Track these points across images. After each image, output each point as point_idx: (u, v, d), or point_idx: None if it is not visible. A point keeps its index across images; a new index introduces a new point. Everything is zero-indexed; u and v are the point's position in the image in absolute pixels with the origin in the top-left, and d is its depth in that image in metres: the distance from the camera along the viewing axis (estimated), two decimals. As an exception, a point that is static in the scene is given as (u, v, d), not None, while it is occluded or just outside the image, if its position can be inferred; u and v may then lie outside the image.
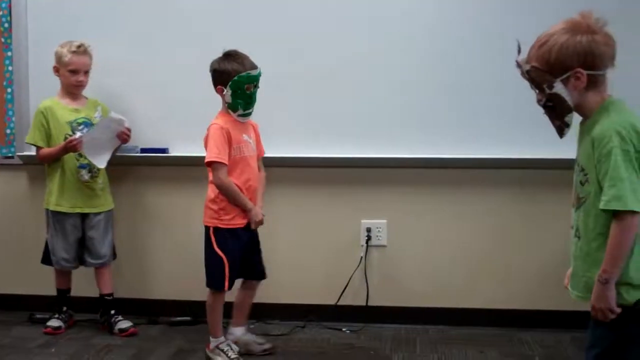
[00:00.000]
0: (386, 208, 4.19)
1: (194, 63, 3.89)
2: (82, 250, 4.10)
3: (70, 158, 3.98)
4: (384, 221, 4.20)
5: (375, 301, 4.21)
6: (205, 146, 3.53)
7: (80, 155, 3.95)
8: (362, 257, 4.20)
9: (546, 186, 4.01)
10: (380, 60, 4.05)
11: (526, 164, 3.99)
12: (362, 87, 4.07)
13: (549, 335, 3.91)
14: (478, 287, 4.14)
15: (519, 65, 2.28)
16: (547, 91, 2.22)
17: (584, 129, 2.25)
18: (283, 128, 4.09)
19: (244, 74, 3.44)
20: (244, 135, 3.57)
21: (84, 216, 4.06)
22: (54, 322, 4.09)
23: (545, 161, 3.91)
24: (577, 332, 3.93)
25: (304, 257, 4.25)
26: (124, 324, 4.05)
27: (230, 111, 3.53)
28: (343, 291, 4.19)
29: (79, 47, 3.96)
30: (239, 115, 3.54)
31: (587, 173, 2.20)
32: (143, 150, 4.22)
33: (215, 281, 3.56)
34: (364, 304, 4.21)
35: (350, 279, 4.19)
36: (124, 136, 3.99)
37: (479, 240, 4.12)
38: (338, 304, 4.20)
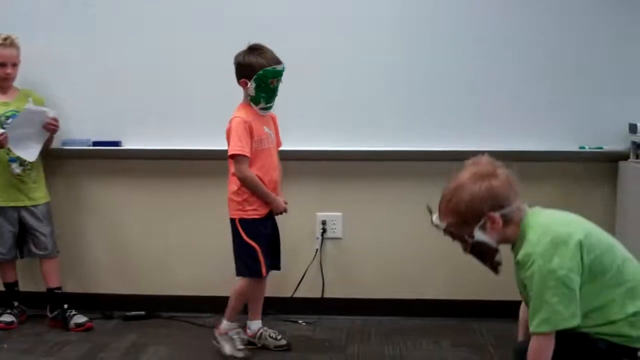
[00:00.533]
0: (341, 201, 4.21)
1: (151, 56, 3.86)
2: (26, 242, 4.06)
3: (2, 152, 3.91)
4: (339, 214, 4.22)
5: (330, 293, 4.23)
6: (228, 139, 3.52)
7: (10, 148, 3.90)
8: (317, 250, 4.21)
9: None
10: (335, 57, 4.06)
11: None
12: (316, 82, 4.07)
13: (502, 325, 3.95)
14: (432, 278, 4.18)
15: (435, 224, 2.42)
16: (470, 241, 2.34)
17: (514, 253, 2.38)
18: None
19: (269, 68, 3.43)
20: (265, 127, 3.57)
21: (21, 209, 4.01)
22: (6, 318, 4.04)
23: (495, 153, 3.94)
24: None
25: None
26: (80, 318, 4.01)
27: (252, 104, 3.53)
28: (299, 284, 4.20)
29: (5, 39, 3.91)
30: (261, 109, 3.54)
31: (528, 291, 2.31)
32: (95, 144, 4.18)
33: (251, 270, 3.59)
34: (320, 296, 4.23)
35: (305, 271, 4.20)
36: (50, 127, 3.93)
37: (433, 231, 4.12)
38: (294, 296, 4.21)
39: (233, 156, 3.49)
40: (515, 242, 2.35)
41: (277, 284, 4.20)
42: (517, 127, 4.01)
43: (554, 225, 2.31)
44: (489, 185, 2.31)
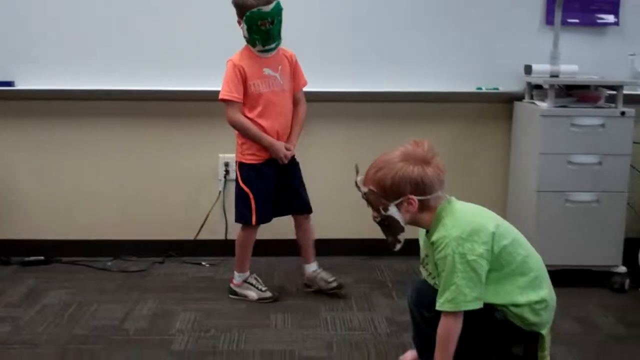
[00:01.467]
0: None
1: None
2: None
3: None
4: (242, 155, 4.20)
5: (234, 235, 4.18)
6: None
7: None
8: (220, 191, 4.20)
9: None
10: None
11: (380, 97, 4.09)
12: (205, 24, 4.00)
13: (400, 262, 4.08)
14: (337, 218, 4.23)
15: (357, 186, 2.45)
16: (383, 213, 2.40)
17: (428, 237, 2.46)
18: (134, 59, 4.01)
19: (255, 10, 3.29)
20: (265, 69, 3.44)
21: None
22: None
23: (396, 94, 4.04)
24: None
25: (161, 192, 4.20)
26: (-27, 265, 3.91)
27: (250, 46, 3.43)
28: (202, 226, 4.19)
29: None
30: (259, 51, 3.42)
31: (434, 277, 2.45)
32: (-14, 84, 4.02)
33: (242, 215, 3.53)
34: (224, 237, 4.23)
35: (209, 213, 4.19)
36: None
37: (341, 173, 4.19)
38: (197, 238, 4.20)
39: (222, 101, 3.44)
40: (430, 227, 2.44)
41: (179, 227, 4.19)
42: (416, 69, 4.07)
43: (469, 215, 2.41)
44: (421, 172, 2.37)
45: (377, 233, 3.97)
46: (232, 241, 4.17)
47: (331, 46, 4.07)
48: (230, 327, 3.26)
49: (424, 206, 2.40)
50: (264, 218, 3.56)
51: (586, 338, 3.21)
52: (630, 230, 3.93)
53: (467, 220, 2.37)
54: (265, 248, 3.97)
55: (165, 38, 4.03)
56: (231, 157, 4.17)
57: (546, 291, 2.44)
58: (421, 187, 2.38)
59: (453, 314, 2.35)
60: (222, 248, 4.19)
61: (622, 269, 3.77)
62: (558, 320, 3.31)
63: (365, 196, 2.43)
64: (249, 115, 3.47)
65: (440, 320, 2.38)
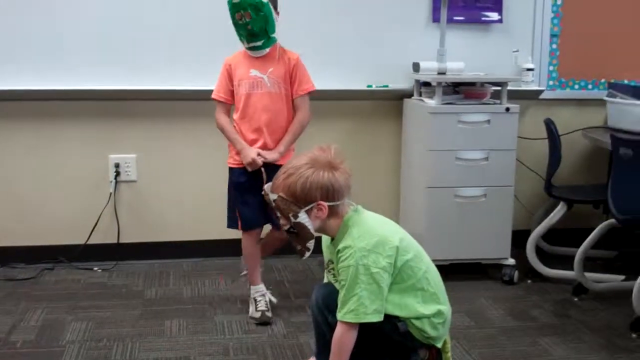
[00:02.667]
0: (134, 142, 4.11)
1: None
2: None
3: None
4: (133, 156, 4.12)
5: (126, 238, 4.15)
6: None
7: None
8: (111, 194, 4.11)
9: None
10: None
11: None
12: (101, 17, 3.93)
13: (297, 262, 4.10)
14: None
15: (266, 193, 2.42)
16: (292, 220, 2.38)
17: (334, 244, 2.45)
18: (15, 57, 3.87)
19: (228, 0, 3.16)
20: (252, 70, 3.29)
21: None
22: None
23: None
24: (321, 256, 4.16)
25: (50, 195, 4.07)
26: None
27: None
28: (93, 229, 4.09)
29: None
30: (247, 49, 3.29)
31: (340, 280, 2.41)
32: None
33: (230, 221, 3.43)
34: (115, 241, 4.14)
35: (99, 216, 4.09)
36: None
37: (226, 171, 4.16)
38: (88, 242, 4.10)
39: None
40: (336, 235, 2.43)
41: (68, 231, 4.08)
42: (308, 68, 4.07)
43: (375, 226, 2.42)
44: (331, 177, 2.36)
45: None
46: (125, 244, 4.13)
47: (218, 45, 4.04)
48: (124, 336, 3.20)
49: (332, 213, 2.40)
50: (249, 224, 3.39)
51: (477, 331, 3.30)
52: (518, 223, 4.07)
53: (373, 232, 2.39)
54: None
55: (48, 33, 3.90)
56: (122, 157, 4.10)
57: (445, 306, 2.48)
58: (331, 193, 2.38)
59: (351, 324, 2.36)
60: (115, 252, 4.11)
61: (511, 261, 3.90)
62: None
63: (275, 203, 2.41)
64: (234, 116, 3.39)
65: (337, 329, 2.39)
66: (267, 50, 3.28)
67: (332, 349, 2.39)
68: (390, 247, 2.36)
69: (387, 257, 2.34)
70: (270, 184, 2.45)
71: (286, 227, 2.44)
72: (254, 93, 3.31)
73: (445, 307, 2.47)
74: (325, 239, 2.54)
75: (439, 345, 2.50)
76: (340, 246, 2.39)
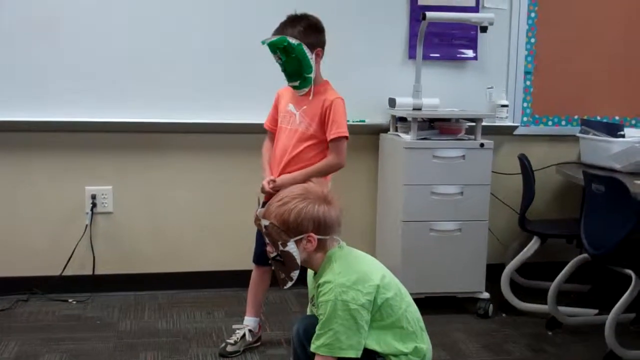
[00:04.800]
0: (111, 174, 4.11)
1: None
2: None
3: None
4: (110, 187, 4.12)
5: (102, 269, 4.13)
6: None
7: None
8: (87, 225, 4.09)
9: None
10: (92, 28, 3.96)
11: (241, 128, 4.10)
12: (75, 50, 3.95)
13: (274, 294, 4.09)
14: (205, 250, 4.21)
15: (258, 218, 2.44)
16: (281, 248, 2.40)
17: (315, 279, 2.46)
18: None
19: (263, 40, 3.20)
20: (289, 105, 3.30)
21: None
22: None
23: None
24: (301, 288, 4.16)
25: (25, 226, 4.05)
26: None
27: None
28: (68, 261, 4.06)
29: None
30: (290, 86, 3.29)
31: (319, 314, 2.41)
32: None
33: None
34: (91, 272, 4.12)
35: (75, 248, 4.07)
36: None
37: (204, 203, 4.18)
38: (63, 274, 4.07)
39: None
40: (319, 269, 2.45)
41: (44, 263, 4.06)
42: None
43: (357, 263, 2.44)
44: (325, 211, 2.39)
45: (246, 264, 4.04)
46: (100, 276, 4.11)
47: (196, 77, 4.07)
48: (98, 368, 3.19)
49: (319, 246, 2.42)
50: (259, 258, 3.36)
51: (451, 364, 3.32)
52: (492, 257, 4.10)
53: (354, 269, 2.40)
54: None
55: (23, 65, 3.92)
56: (98, 189, 4.09)
57: (424, 345, 2.48)
58: (322, 227, 2.39)
59: (327, 357, 2.36)
60: (90, 284, 4.09)
61: (486, 294, 3.93)
62: (424, 348, 3.43)
63: (266, 229, 2.42)
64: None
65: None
66: (306, 90, 3.27)
67: None
68: (371, 284, 2.37)
69: (366, 295, 2.35)
70: (263, 209, 2.45)
71: (272, 255, 2.44)
72: (283, 127, 3.33)
73: (425, 346, 2.48)
74: (310, 272, 2.55)
75: None
76: (321, 280, 2.40)
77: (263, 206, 2.57)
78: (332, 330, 2.33)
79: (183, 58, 4.04)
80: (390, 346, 2.40)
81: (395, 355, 2.41)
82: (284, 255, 2.42)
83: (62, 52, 3.93)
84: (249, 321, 3.44)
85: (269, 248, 2.45)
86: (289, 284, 2.49)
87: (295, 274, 2.46)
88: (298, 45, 3.15)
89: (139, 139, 4.09)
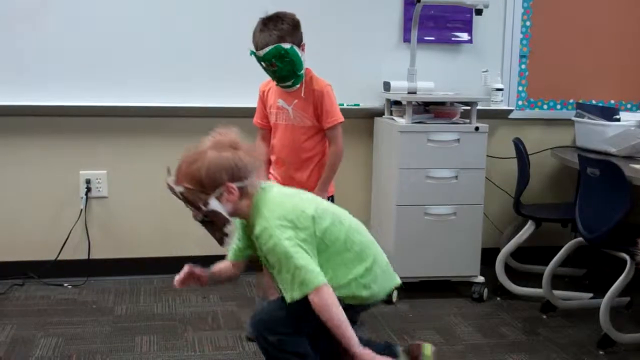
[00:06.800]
0: (106, 158, 4.11)
1: None
2: None
3: None
4: (104, 172, 4.12)
5: (97, 254, 4.14)
6: None
7: None
8: (82, 210, 4.09)
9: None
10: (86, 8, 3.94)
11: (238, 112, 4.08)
12: (70, 34, 3.94)
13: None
14: (200, 234, 4.18)
15: (170, 187, 2.36)
16: (204, 209, 2.32)
17: (249, 229, 2.39)
18: None
19: (251, 51, 3.16)
20: (279, 100, 3.28)
21: None
22: None
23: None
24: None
25: (20, 211, 4.05)
26: None
27: None
28: (63, 245, 4.07)
29: None
30: (281, 86, 3.26)
31: (272, 265, 2.34)
32: None
33: None
34: (86, 257, 4.12)
35: (70, 232, 4.07)
36: None
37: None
38: (58, 259, 4.07)
39: None
40: (249, 217, 2.38)
41: (39, 247, 4.06)
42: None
43: (285, 202, 2.37)
44: (236, 157, 2.32)
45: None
46: (95, 260, 4.12)
47: (189, 60, 4.05)
48: (94, 352, 3.18)
49: (242, 194, 2.34)
50: None
51: (446, 348, 3.32)
52: (487, 241, 4.10)
53: (284, 207, 2.33)
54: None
55: (17, 48, 3.90)
56: (93, 173, 4.09)
57: (369, 262, 2.42)
58: (237, 173, 2.32)
59: (314, 290, 2.27)
60: (85, 268, 4.10)
61: (481, 278, 3.94)
62: (419, 331, 3.46)
63: (182, 196, 2.33)
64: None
65: (312, 303, 2.28)
66: (298, 86, 3.26)
67: (324, 316, 2.29)
68: (305, 217, 2.33)
69: (305, 229, 2.31)
70: (173, 179, 2.37)
71: (199, 218, 2.37)
72: (279, 124, 3.32)
73: (369, 262, 2.43)
74: (239, 221, 2.47)
75: (382, 298, 2.49)
76: (257, 232, 2.33)
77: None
78: (297, 270, 2.26)
79: (179, 40, 4.01)
80: (339, 276, 2.35)
81: (345, 287, 2.36)
82: (210, 214, 2.34)
83: (56, 34, 3.91)
84: None
85: (193, 214, 2.36)
86: (227, 240, 2.41)
87: (228, 229, 2.38)
88: (291, 48, 3.14)
89: (133, 123, 4.08)
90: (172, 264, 4.12)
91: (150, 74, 4.01)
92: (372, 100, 4.21)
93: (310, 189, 3.14)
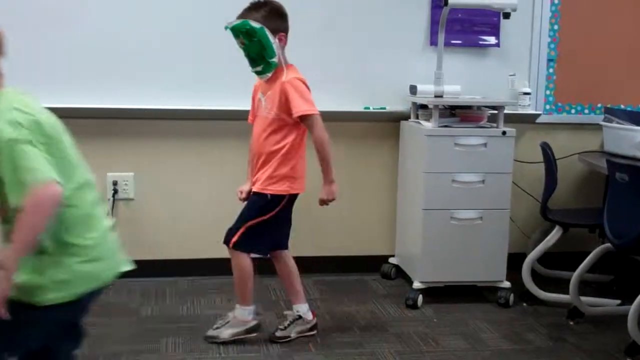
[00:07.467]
0: (132, 160, 4.13)
1: None
2: None
3: None
4: (131, 174, 4.14)
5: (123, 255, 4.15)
6: None
7: None
8: (108, 211, 4.11)
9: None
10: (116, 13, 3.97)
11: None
12: (99, 36, 3.96)
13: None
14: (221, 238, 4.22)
15: None
16: None
17: None
18: (13, 73, 3.88)
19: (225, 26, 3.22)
20: (259, 93, 3.32)
21: None
22: None
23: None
24: (318, 276, 4.18)
25: (47, 213, 4.08)
26: None
27: None
28: (90, 246, 4.09)
29: None
30: (253, 71, 3.28)
31: None
32: None
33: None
34: (112, 258, 4.14)
35: (96, 234, 4.09)
36: None
37: (225, 190, 4.17)
38: (84, 260, 4.10)
39: None
40: None
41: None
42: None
43: (16, 100, 2.14)
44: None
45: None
46: (121, 262, 4.13)
47: (218, 63, 4.06)
48: (119, 353, 3.21)
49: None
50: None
51: (472, 353, 3.30)
52: (514, 246, 4.07)
53: (15, 105, 2.10)
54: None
55: (46, 51, 3.94)
56: (120, 175, 4.12)
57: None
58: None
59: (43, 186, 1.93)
60: (111, 269, 4.11)
61: (507, 284, 3.91)
62: (445, 337, 3.44)
63: None
64: None
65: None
66: (269, 75, 3.26)
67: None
68: (31, 120, 2.07)
69: (32, 132, 2.03)
70: None
71: None
72: (259, 116, 3.33)
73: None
74: None
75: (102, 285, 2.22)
76: None
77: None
78: (27, 161, 1.94)
79: (206, 45, 4.02)
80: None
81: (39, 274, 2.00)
82: None
83: (86, 39, 3.93)
84: (298, 307, 3.46)
85: None
86: None
87: None
88: (260, 29, 3.16)
89: (160, 125, 4.11)
90: (196, 266, 4.20)
91: (178, 77, 4.02)
92: (398, 103, 4.20)
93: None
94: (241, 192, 3.43)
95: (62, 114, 3.94)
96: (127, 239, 4.08)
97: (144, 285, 4.08)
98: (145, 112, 4.02)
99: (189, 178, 4.16)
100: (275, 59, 3.22)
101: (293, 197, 3.34)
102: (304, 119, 3.22)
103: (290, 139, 3.26)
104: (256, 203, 3.31)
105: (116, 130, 4.07)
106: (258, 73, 3.26)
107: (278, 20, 3.23)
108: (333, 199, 3.31)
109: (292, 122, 3.24)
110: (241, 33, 3.17)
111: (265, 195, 3.27)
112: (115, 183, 4.12)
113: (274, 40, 3.20)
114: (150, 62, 4.01)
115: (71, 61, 3.94)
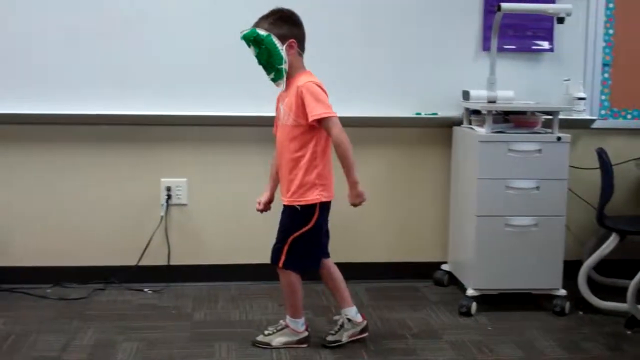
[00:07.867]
0: (186, 166, 4.17)
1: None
2: None
3: None
4: (184, 179, 4.18)
5: (176, 260, 4.20)
6: None
7: None
8: (162, 216, 4.16)
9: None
10: (171, 22, 4.03)
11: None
12: (156, 45, 4.02)
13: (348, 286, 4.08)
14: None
15: None
16: None
17: None
18: (74, 83, 3.97)
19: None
20: (280, 103, 3.34)
21: None
22: None
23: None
24: (369, 282, 4.17)
25: (103, 217, 4.14)
26: None
27: None
28: (144, 251, 4.14)
29: None
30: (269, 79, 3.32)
31: None
32: None
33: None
34: (166, 263, 4.19)
35: (151, 238, 4.15)
36: None
37: (276, 195, 4.18)
38: (139, 264, 4.15)
39: None
40: None
41: (120, 252, 4.14)
42: (355, 94, 4.07)
43: None
44: None
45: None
46: (174, 267, 4.18)
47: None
48: (174, 357, 3.23)
49: None
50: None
51: (527, 361, 3.26)
52: (569, 253, 4.00)
53: None
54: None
55: (105, 62, 4.00)
56: (173, 181, 4.16)
57: None
58: None
59: None
60: (165, 274, 4.16)
61: (562, 292, 3.85)
62: (499, 345, 3.40)
63: None
64: None
65: None
66: (281, 81, 3.25)
67: None
68: None
69: None
70: None
71: None
72: (280, 125, 3.34)
73: None
74: None
75: None
76: None
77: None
78: None
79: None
80: None
81: None
82: None
83: (141, 48, 4.00)
84: (347, 311, 3.44)
85: None
86: None
87: None
88: (267, 36, 3.17)
89: (214, 132, 4.14)
90: (248, 272, 4.22)
91: (229, 84, 4.05)
92: (450, 109, 4.17)
93: None
94: (259, 203, 3.46)
95: (119, 120, 4.08)
96: (180, 244, 4.22)
97: (196, 289, 4.11)
98: (198, 118, 4.06)
99: (241, 184, 4.18)
100: (284, 66, 3.21)
101: (324, 205, 3.30)
102: (322, 122, 3.19)
103: (312, 145, 3.24)
104: (290, 216, 3.29)
105: (170, 137, 4.12)
106: (273, 80, 3.27)
107: (285, 26, 3.22)
108: (362, 201, 3.24)
109: (312, 128, 3.22)
110: (250, 41, 3.21)
111: (295, 207, 3.26)
112: (168, 189, 4.17)
113: (281, 47, 3.20)
114: (204, 69, 4.05)
115: (126, 70, 4.00)
